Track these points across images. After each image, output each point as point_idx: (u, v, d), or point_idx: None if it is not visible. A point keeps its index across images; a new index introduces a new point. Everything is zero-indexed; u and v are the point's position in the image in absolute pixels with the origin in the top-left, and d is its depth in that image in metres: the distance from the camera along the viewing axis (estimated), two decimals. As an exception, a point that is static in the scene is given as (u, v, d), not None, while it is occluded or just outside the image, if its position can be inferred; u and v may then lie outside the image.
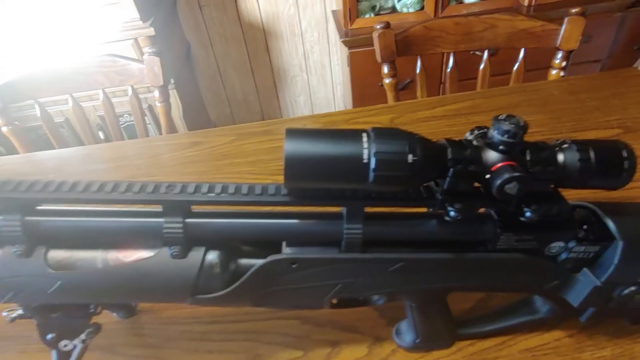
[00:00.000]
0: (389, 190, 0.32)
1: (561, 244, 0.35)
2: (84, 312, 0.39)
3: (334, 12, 1.81)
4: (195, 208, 0.34)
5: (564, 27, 0.92)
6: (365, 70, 1.61)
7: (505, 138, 0.29)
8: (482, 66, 1.04)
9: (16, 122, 1.02)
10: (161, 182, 0.32)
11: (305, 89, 2.10)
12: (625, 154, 0.32)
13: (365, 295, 0.39)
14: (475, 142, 0.31)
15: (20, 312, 0.37)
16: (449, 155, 0.30)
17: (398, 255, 0.35)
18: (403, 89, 1.58)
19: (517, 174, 0.28)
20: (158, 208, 0.33)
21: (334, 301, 0.39)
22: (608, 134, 0.70)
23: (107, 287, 0.34)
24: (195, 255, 0.34)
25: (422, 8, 1.60)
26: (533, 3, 1.56)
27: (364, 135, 0.28)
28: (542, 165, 0.30)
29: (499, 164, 0.29)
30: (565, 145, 0.31)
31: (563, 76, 0.96)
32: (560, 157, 0.31)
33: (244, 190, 0.32)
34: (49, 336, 0.38)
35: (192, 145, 0.80)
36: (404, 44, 0.99)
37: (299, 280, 0.35)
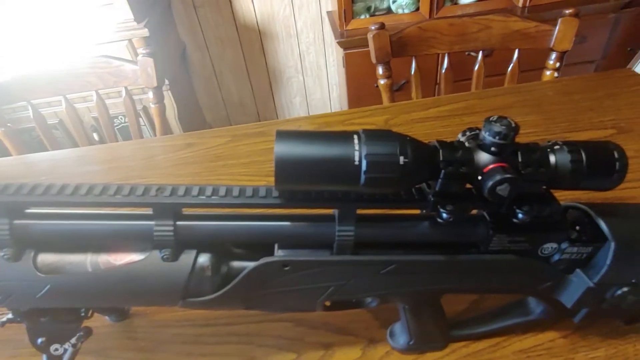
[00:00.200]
0: (381, 192, 0.32)
1: (554, 245, 0.35)
2: (74, 315, 0.38)
3: (329, 13, 1.81)
4: (187, 210, 0.34)
5: (557, 28, 0.93)
6: (361, 71, 1.61)
7: (496, 140, 0.29)
8: (476, 67, 1.04)
9: (9, 124, 1.01)
10: (151, 185, 0.32)
11: (301, 90, 2.10)
12: (616, 155, 0.32)
13: (358, 297, 0.39)
14: (467, 144, 0.31)
15: (9, 316, 0.37)
16: (441, 157, 0.29)
17: (390, 258, 0.35)
18: (398, 89, 1.58)
19: (508, 175, 0.28)
20: (149, 211, 0.32)
21: (327, 303, 0.38)
22: (602, 134, 0.71)
23: (98, 290, 0.34)
24: (187, 258, 0.34)
25: (417, 9, 1.60)
26: (527, 4, 1.57)
27: (355, 137, 0.28)
28: (533, 167, 0.30)
29: (491, 166, 0.29)
30: (556, 147, 0.31)
31: (557, 77, 0.96)
32: (552, 158, 0.31)
33: (235, 192, 0.32)
34: (39, 340, 0.38)
35: (186, 147, 0.80)
36: (398, 45, 0.99)
37: (292, 283, 0.35)
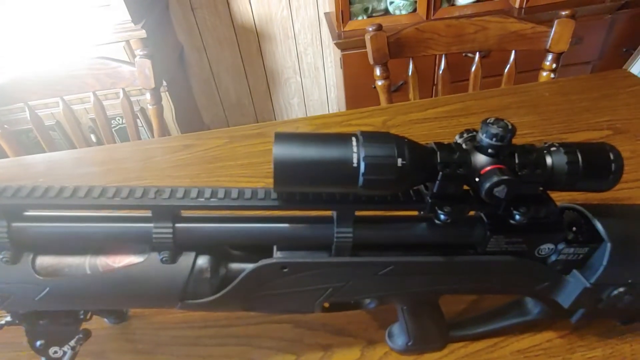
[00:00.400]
0: (379, 193, 0.32)
1: (551, 245, 0.35)
2: (73, 318, 0.38)
3: (326, 14, 1.81)
4: (185, 213, 0.34)
5: (553, 29, 0.93)
6: (358, 72, 1.61)
7: (493, 141, 0.29)
8: (473, 68, 1.04)
9: (6, 126, 1.01)
10: (150, 187, 0.32)
11: (299, 91, 2.11)
12: (612, 156, 0.32)
13: (357, 298, 0.39)
14: (464, 146, 0.31)
15: (8, 318, 0.37)
16: (438, 159, 0.30)
17: (388, 259, 0.35)
18: (396, 90, 1.59)
19: (505, 177, 0.28)
20: (147, 213, 0.32)
21: (326, 305, 0.38)
22: (597, 135, 0.71)
23: (96, 293, 0.34)
24: (185, 260, 0.34)
25: (415, 10, 1.61)
26: (524, 5, 1.57)
27: (353, 139, 0.28)
28: (530, 168, 0.30)
29: (488, 167, 0.29)
30: (553, 148, 0.32)
31: (553, 78, 0.97)
32: (549, 160, 0.31)
33: (234, 194, 0.32)
34: (38, 343, 0.37)
35: (184, 148, 0.80)
36: (396, 46, 0.99)
37: (290, 285, 0.35)
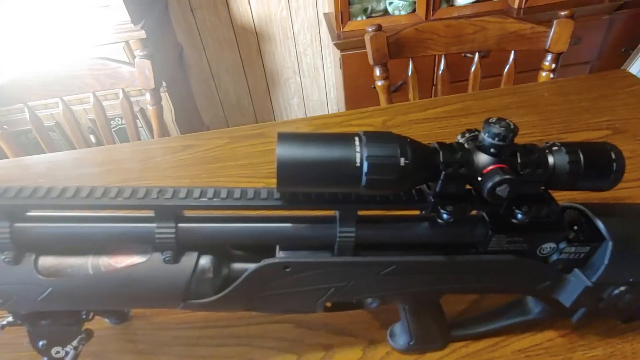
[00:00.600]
0: (382, 193, 0.32)
1: (552, 245, 0.36)
2: (75, 318, 0.38)
3: (325, 14, 1.81)
4: (188, 213, 0.34)
5: (552, 29, 0.93)
6: (358, 73, 1.61)
7: (495, 141, 0.29)
8: (473, 68, 1.05)
9: (5, 126, 1.01)
10: (152, 187, 0.32)
11: (298, 92, 2.11)
12: (613, 156, 0.32)
13: (359, 298, 0.39)
14: (466, 145, 0.31)
15: (10, 319, 0.37)
16: (441, 159, 0.30)
17: (390, 258, 0.35)
18: (395, 91, 1.59)
19: (507, 176, 0.28)
20: (150, 213, 0.32)
21: (328, 304, 0.38)
22: (597, 135, 0.71)
23: (99, 293, 0.34)
24: (188, 260, 0.34)
25: (414, 11, 1.61)
26: (523, 6, 1.58)
27: (356, 139, 0.28)
28: (532, 168, 0.30)
29: (490, 167, 0.29)
30: (554, 148, 0.32)
31: (553, 78, 0.97)
32: (550, 159, 0.31)
33: (236, 194, 0.32)
34: (40, 343, 0.37)
35: (184, 149, 0.80)
36: (395, 47, 1.00)
37: (293, 284, 0.35)
